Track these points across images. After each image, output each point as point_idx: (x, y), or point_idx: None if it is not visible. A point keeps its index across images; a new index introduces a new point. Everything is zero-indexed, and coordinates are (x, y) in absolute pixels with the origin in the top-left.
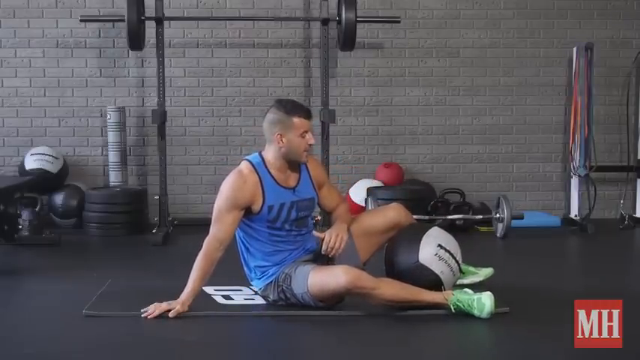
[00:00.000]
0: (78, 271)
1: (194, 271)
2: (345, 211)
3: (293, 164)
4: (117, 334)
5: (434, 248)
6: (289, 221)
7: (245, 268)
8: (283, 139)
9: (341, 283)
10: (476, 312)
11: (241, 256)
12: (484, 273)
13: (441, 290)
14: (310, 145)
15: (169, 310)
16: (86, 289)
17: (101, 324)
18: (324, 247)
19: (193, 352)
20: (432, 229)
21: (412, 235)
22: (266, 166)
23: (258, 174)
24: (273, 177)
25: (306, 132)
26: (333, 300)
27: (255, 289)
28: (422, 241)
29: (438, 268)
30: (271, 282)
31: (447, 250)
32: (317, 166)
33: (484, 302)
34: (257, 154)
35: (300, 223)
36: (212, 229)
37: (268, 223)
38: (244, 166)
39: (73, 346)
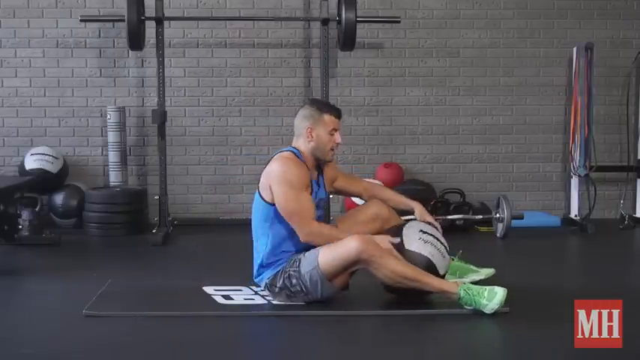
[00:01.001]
0: (78, 271)
1: (337, 232)
2: (386, 190)
3: (317, 162)
4: (117, 334)
5: (416, 234)
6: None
7: (256, 258)
8: (313, 134)
9: (352, 247)
10: (484, 301)
11: (256, 245)
12: (485, 272)
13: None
14: (337, 143)
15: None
16: (86, 289)
17: (101, 324)
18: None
19: (193, 352)
20: (411, 221)
21: (394, 230)
22: (303, 158)
23: (304, 163)
24: (308, 168)
25: (335, 130)
26: (342, 275)
27: (259, 285)
28: (403, 232)
29: (426, 250)
30: (279, 270)
31: (430, 234)
32: (330, 166)
33: (496, 292)
34: (290, 147)
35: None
36: (300, 219)
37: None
38: (288, 154)
39: (73, 346)
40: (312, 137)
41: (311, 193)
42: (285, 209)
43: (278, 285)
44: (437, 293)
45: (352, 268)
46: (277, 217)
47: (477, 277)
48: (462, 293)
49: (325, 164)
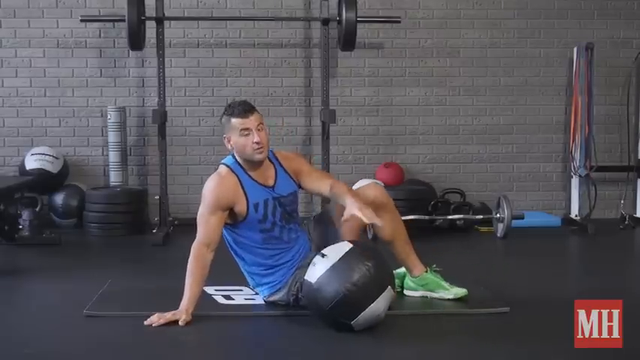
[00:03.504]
0: (78, 271)
1: (188, 277)
2: (344, 186)
3: (258, 164)
4: (117, 334)
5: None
6: (277, 217)
7: (247, 277)
8: (231, 142)
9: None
10: (448, 289)
11: (241, 268)
12: (455, 292)
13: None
14: (256, 142)
15: (174, 321)
16: (86, 289)
17: (101, 324)
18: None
19: (193, 352)
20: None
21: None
22: (242, 167)
23: (236, 175)
24: (250, 176)
25: (247, 129)
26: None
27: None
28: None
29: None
30: (280, 289)
31: (324, 255)
32: (289, 157)
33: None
34: (231, 156)
35: (288, 219)
36: (198, 235)
37: (259, 225)
38: (221, 169)
39: (73, 346)
40: (231, 145)
41: (247, 202)
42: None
43: (279, 299)
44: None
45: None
46: (235, 235)
47: (445, 296)
48: (430, 275)
49: (285, 159)
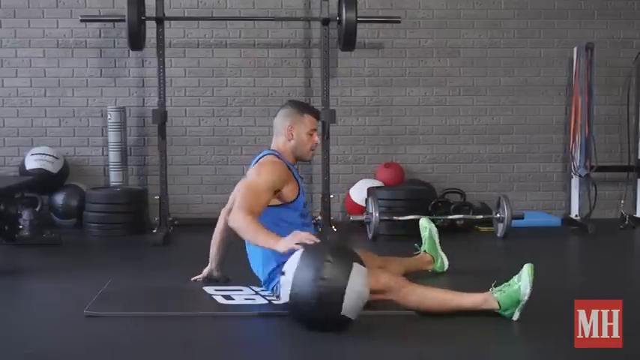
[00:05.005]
0: (78, 271)
1: (258, 228)
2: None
3: (296, 161)
4: (117, 334)
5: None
6: (308, 205)
7: (265, 265)
8: (293, 132)
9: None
10: (516, 285)
11: (261, 259)
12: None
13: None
14: (316, 144)
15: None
16: (86, 289)
17: (101, 324)
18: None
19: (193, 352)
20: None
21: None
22: (284, 157)
23: (284, 161)
24: (291, 164)
25: (314, 130)
26: None
27: (269, 290)
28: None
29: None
30: None
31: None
32: None
33: (522, 271)
34: (270, 150)
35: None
36: (244, 204)
37: (303, 209)
38: (270, 156)
39: (73, 346)
40: (292, 136)
41: (298, 187)
42: (244, 184)
43: None
44: (475, 310)
45: (375, 296)
46: (274, 216)
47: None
48: (498, 295)
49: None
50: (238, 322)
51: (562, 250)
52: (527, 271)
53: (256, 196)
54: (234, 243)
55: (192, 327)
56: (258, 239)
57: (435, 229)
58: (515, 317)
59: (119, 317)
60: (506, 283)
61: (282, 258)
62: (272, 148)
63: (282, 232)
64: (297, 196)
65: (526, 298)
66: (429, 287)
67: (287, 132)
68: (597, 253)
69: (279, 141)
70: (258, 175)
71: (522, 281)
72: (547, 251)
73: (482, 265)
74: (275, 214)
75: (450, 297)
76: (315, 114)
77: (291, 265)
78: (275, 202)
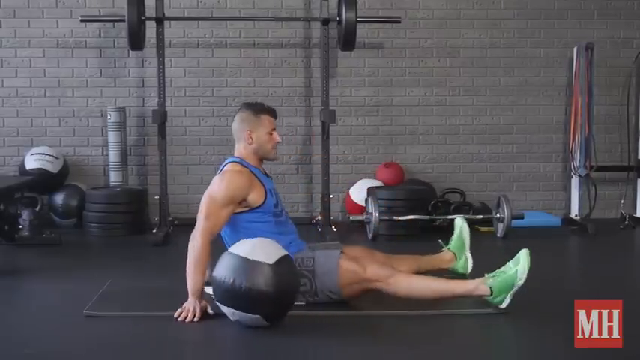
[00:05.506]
0: (78, 271)
1: (197, 264)
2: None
3: (262, 162)
4: (117, 334)
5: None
6: (281, 204)
7: None
8: (252, 136)
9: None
10: (512, 271)
11: None
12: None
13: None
14: (277, 142)
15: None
16: (86, 289)
17: (101, 324)
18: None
19: (193, 352)
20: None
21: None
22: (247, 162)
23: (247, 168)
24: (256, 168)
25: (274, 130)
26: (355, 288)
27: None
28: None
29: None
30: None
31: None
32: None
33: (519, 256)
34: (231, 158)
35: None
36: (204, 224)
37: (274, 210)
38: (233, 165)
39: (73, 346)
40: (252, 140)
41: (265, 190)
42: (205, 201)
43: None
44: (467, 296)
45: (364, 284)
46: (245, 222)
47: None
48: (491, 282)
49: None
50: (238, 322)
51: (562, 250)
52: (525, 255)
53: (216, 214)
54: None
55: (192, 327)
56: (188, 277)
57: (467, 230)
58: (505, 304)
59: (119, 317)
60: (498, 270)
61: None
62: (235, 155)
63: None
64: (265, 200)
65: (521, 282)
66: (419, 276)
67: (246, 137)
68: (597, 253)
69: (241, 147)
70: (219, 189)
71: (520, 265)
72: (547, 251)
73: (482, 265)
74: (246, 221)
75: (440, 285)
76: (271, 113)
77: (211, 290)
78: (242, 209)
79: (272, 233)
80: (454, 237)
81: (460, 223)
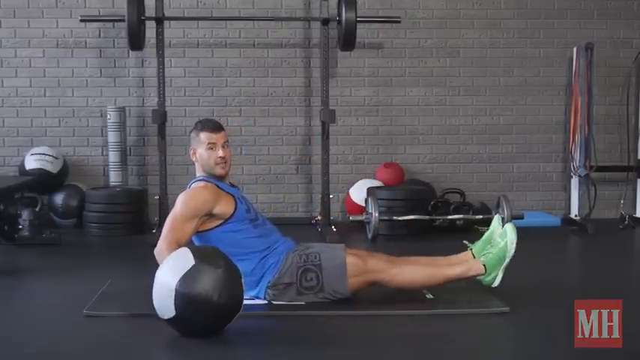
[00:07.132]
0: (78, 271)
1: None
2: None
3: (220, 178)
4: (117, 334)
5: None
6: (253, 209)
7: (248, 279)
8: (196, 154)
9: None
10: (502, 243)
11: (243, 272)
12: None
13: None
14: (220, 157)
15: None
16: (86, 289)
17: (101, 324)
18: None
19: (193, 352)
20: None
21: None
22: (209, 177)
23: (212, 182)
24: (220, 181)
25: (214, 144)
26: (360, 281)
27: (260, 297)
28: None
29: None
30: (280, 267)
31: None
32: None
33: (505, 230)
34: (193, 178)
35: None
36: (168, 236)
37: (248, 215)
38: (198, 182)
39: (73, 346)
40: (196, 157)
41: (234, 200)
42: (169, 218)
43: (285, 282)
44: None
45: (367, 276)
46: (224, 233)
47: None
48: (484, 259)
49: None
50: (238, 322)
51: (562, 250)
52: (511, 227)
53: (181, 227)
54: None
55: None
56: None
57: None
58: (497, 283)
59: (119, 317)
60: (489, 247)
61: (264, 267)
62: (196, 174)
63: (240, 248)
64: (236, 208)
65: (512, 253)
66: (414, 264)
67: (192, 155)
68: (597, 253)
69: (196, 165)
70: (182, 204)
71: (509, 237)
72: (547, 251)
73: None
74: (225, 232)
75: (437, 271)
76: (210, 128)
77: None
78: (217, 222)
79: (254, 238)
80: (482, 239)
81: (496, 223)
